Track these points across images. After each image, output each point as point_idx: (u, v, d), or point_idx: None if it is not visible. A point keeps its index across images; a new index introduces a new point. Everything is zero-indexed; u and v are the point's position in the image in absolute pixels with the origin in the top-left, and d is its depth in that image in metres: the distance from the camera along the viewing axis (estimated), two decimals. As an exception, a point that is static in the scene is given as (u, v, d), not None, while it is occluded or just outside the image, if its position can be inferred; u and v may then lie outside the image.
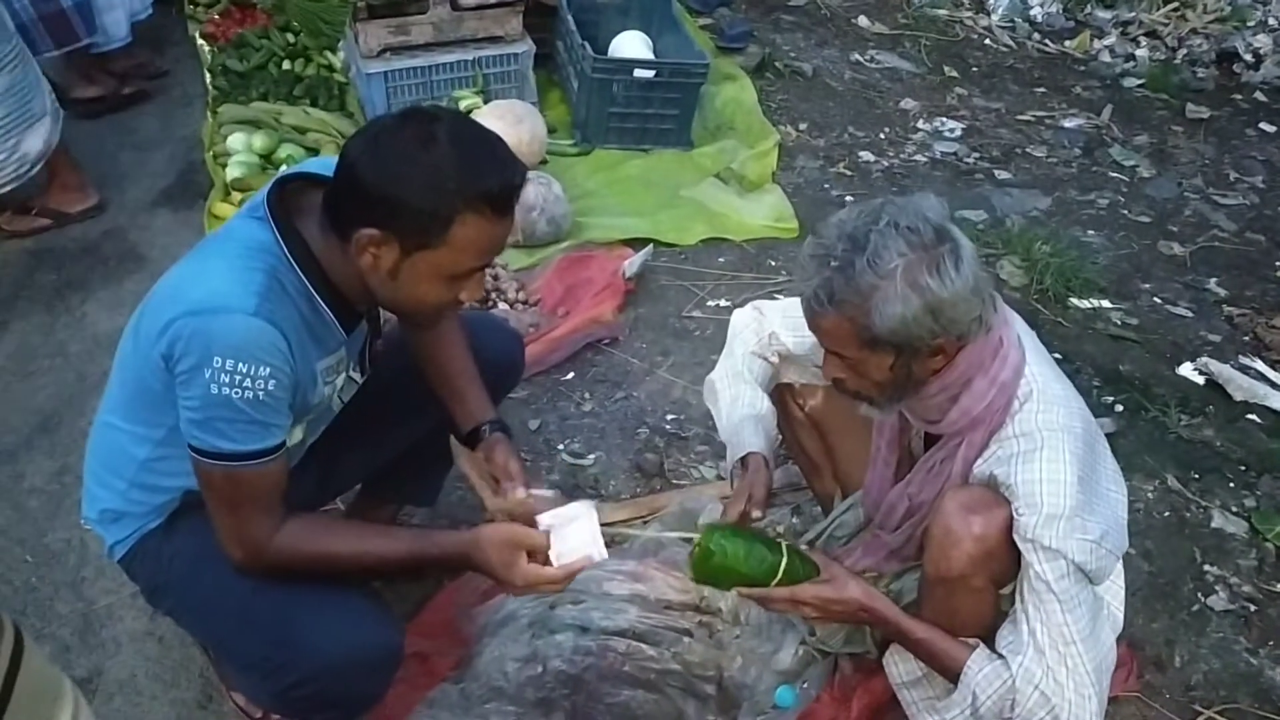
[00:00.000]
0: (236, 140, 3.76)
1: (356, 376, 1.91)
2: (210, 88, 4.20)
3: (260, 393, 1.57)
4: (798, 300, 1.73)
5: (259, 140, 3.75)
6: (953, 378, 1.68)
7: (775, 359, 2.12)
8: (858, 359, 1.65)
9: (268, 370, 1.57)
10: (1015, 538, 1.64)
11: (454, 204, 1.55)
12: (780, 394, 2.20)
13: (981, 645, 1.76)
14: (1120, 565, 1.93)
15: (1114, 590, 1.92)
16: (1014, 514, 1.64)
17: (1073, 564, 1.62)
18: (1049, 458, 1.64)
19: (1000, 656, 1.72)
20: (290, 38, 4.36)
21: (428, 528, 2.42)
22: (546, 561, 1.71)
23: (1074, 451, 1.66)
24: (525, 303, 3.29)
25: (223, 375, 1.54)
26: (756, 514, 1.89)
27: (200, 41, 4.51)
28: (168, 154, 4.02)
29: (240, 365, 1.55)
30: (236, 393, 1.55)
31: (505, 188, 1.59)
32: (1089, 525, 1.63)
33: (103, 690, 2.19)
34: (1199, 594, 2.51)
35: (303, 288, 1.65)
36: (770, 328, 2.09)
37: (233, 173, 3.64)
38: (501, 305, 3.24)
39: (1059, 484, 1.62)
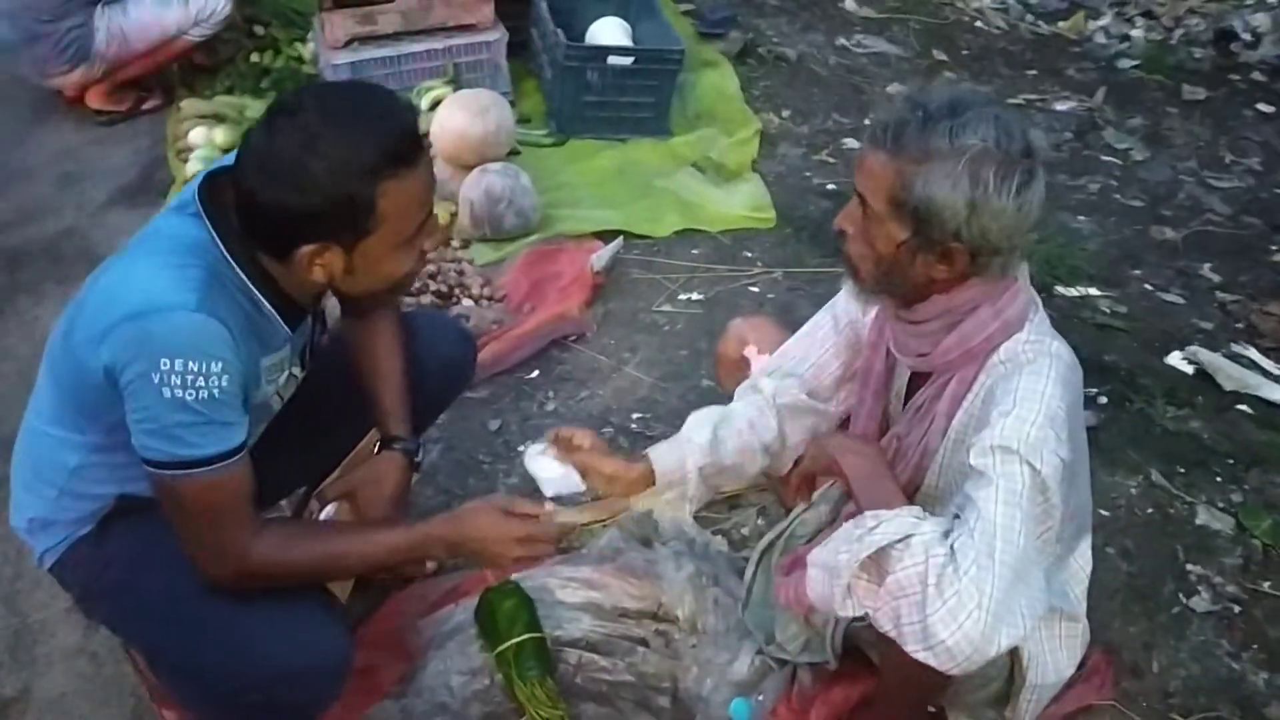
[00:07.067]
0: (198, 135, 3.69)
1: (297, 372, 1.84)
2: (175, 80, 4.11)
3: (215, 390, 1.50)
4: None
5: (221, 135, 3.67)
6: (960, 300, 1.63)
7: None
8: (878, 215, 1.59)
9: (220, 366, 1.50)
10: (973, 459, 1.54)
11: (366, 184, 1.49)
12: None
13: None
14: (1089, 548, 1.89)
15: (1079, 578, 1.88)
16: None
17: (1038, 474, 1.50)
18: (1031, 373, 1.59)
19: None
20: (259, 29, 4.27)
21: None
22: None
23: (1059, 373, 1.60)
24: (490, 299, 3.18)
25: (173, 377, 1.47)
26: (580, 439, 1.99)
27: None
28: (130, 149, 3.93)
29: (190, 364, 1.47)
30: (190, 394, 1.48)
31: (403, 136, 1.52)
32: (1062, 442, 1.54)
33: (32, 710, 2.10)
34: (1180, 595, 2.40)
35: (243, 284, 1.58)
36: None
37: (193, 169, 3.56)
38: (466, 301, 3.13)
39: (1037, 393, 1.56)
